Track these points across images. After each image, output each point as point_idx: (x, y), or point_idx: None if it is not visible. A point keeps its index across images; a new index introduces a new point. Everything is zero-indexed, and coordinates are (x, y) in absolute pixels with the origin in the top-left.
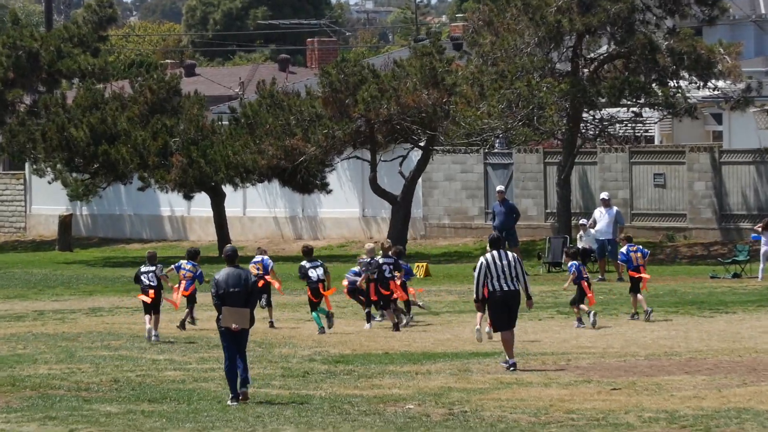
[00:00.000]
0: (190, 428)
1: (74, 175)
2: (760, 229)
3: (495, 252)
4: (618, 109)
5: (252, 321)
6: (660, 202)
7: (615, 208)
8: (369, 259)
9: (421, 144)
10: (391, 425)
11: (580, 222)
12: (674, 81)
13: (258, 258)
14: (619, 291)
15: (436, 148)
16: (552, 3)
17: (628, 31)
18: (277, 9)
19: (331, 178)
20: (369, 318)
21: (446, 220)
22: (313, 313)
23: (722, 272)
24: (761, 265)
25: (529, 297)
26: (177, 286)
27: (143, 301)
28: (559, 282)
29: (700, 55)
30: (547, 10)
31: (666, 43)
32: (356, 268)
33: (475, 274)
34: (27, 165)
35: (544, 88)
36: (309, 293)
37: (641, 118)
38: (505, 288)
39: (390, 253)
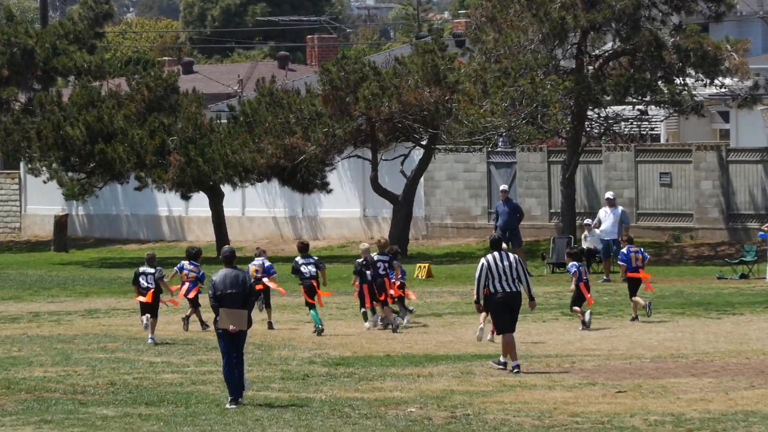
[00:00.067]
0: None
1: (70, 174)
2: (767, 229)
3: (496, 253)
4: (623, 106)
5: (249, 323)
6: (666, 202)
7: (620, 208)
8: (363, 260)
9: (423, 143)
10: (392, 429)
11: (585, 222)
12: (680, 78)
13: (258, 261)
14: (624, 292)
15: (438, 146)
16: None
17: (634, 28)
18: (277, 5)
19: (332, 178)
20: (366, 317)
21: (449, 220)
22: (312, 311)
23: (729, 273)
24: None
25: (531, 298)
26: (179, 285)
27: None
28: (564, 283)
29: (707, 51)
30: (551, 6)
31: (672, 39)
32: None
33: (476, 275)
34: (22, 164)
35: (548, 86)
36: (303, 291)
37: (647, 116)
38: (507, 289)
39: (386, 251)
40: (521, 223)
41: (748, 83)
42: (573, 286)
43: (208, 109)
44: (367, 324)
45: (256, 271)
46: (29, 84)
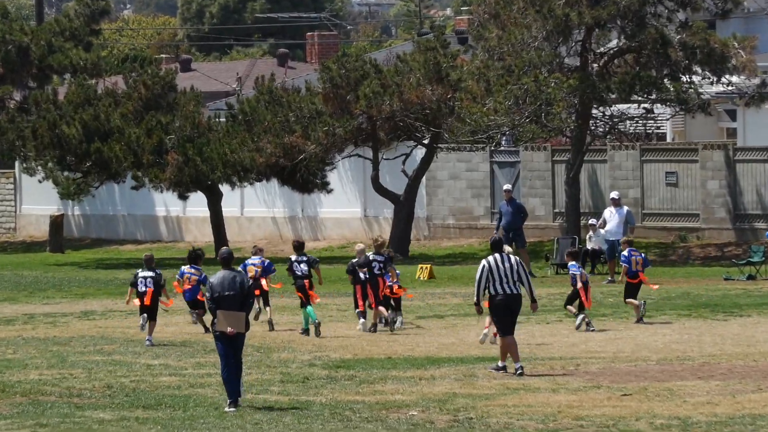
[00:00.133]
0: None
1: (66, 173)
2: None
3: (497, 255)
4: (628, 105)
5: (247, 326)
6: (672, 202)
7: (625, 208)
8: (358, 260)
9: (425, 141)
10: None
11: (590, 222)
12: (687, 76)
13: (256, 259)
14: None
15: (440, 145)
16: None
17: (639, 25)
18: (276, 2)
19: (332, 177)
20: (361, 316)
21: (451, 220)
22: (307, 308)
23: (736, 274)
24: None
25: (533, 300)
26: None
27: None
28: (568, 284)
29: (714, 49)
30: (555, 3)
31: (678, 36)
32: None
33: (477, 277)
34: (17, 163)
35: (552, 84)
36: (296, 290)
37: (653, 115)
38: (507, 291)
39: (382, 251)
40: (525, 223)
41: (756, 81)
42: (581, 284)
43: (206, 108)
44: (361, 320)
45: (256, 270)
46: (24, 82)
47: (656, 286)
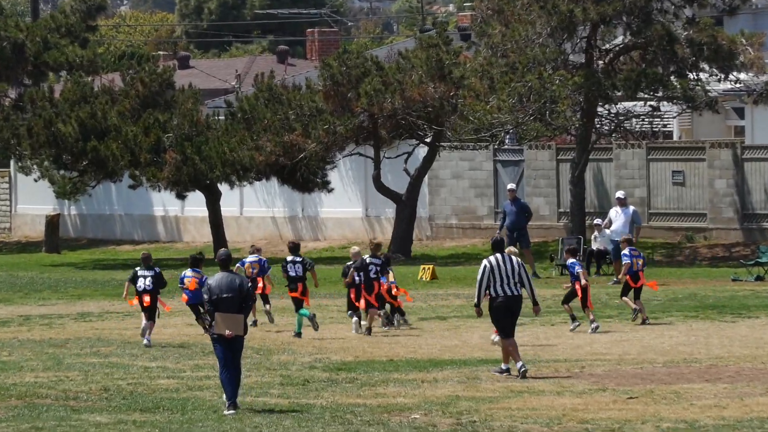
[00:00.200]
0: None
1: (62, 172)
2: None
3: (498, 255)
4: (634, 102)
5: (245, 329)
6: (679, 201)
7: (631, 208)
8: (353, 262)
9: (427, 140)
10: None
11: (595, 222)
12: (694, 73)
13: (253, 258)
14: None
15: (443, 144)
16: None
17: (645, 21)
18: None
19: (333, 176)
20: (354, 315)
21: (454, 220)
22: (301, 311)
23: (744, 274)
24: None
25: (535, 303)
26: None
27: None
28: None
29: (721, 45)
30: None
31: (685, 33)
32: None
33: (478, 277)
34: (12, 162)
35: (557, 81)
36: (289, 292)
37: (659, 113)
38: (508, 293)
39: (378, 253)
40: (529, 223)
41: (764, 78)
42: (585, 281)
43: (205, 106)
44: (354, 319)
45: (252, 268)
46: (19, 79)
47: (657, 287)
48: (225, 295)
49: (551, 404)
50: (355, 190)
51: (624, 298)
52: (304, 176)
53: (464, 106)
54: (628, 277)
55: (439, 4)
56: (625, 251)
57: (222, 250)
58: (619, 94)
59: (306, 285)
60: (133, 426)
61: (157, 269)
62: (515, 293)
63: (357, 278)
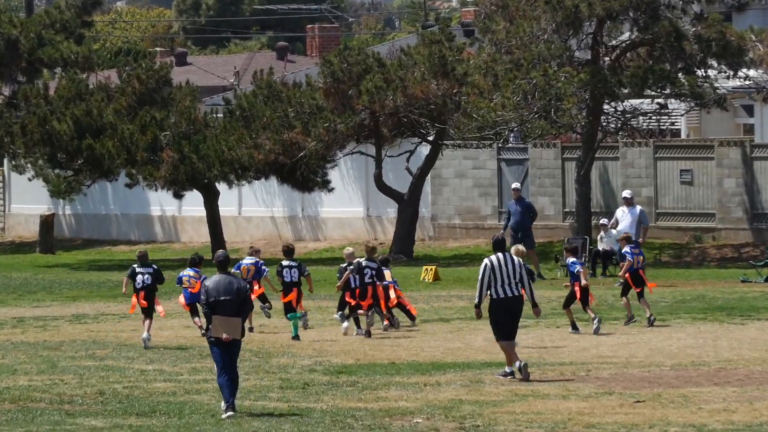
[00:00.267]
0: None
1: (56, 171)
2: None
3: (500, 254)
4: (641, 100)
5: (243, 332)
6: (687, 201)
7: (638, 207)
8: (346, 264)
9: (430, 138)
10: None
11: (601, 222)
12: (702, 70)
13: (250, 260)
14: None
15: (445, 142)
16: None
17: (652, 17)
18: None
19: (333, 175)
20: (343, 317)
21: (457, 219)
22: (290, 315)
23: (754, 276)
24: None
25: (535, 305)
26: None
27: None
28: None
29: (730, 42)
30: None
31: (693, 29)
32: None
33: (479, 277)
34: (5, 161)
35: (562, 78)
36: (282, 297)
37: (666, 110)
38: (509, 294)
39: (374, 257)
40: (534, 223)
41: None
42: (585, 281)
43: (203, 103)
44: (345, 323)
45: (248, 270)
46: (13, 76)
47: (652, 289)
48: (223, 298)
49: (556, 408)
50: (356, 190)
51: (624, 299)
52: (304, 175)
53: (467, 103)
54: (627, 275)
55: None
56: (626, 249)
57: (220, 252)
58: (626, 91)
59: (300, 290)
60: (129, 430)
61: (155, 266)
62: (516, 294)
63: (352, 281)
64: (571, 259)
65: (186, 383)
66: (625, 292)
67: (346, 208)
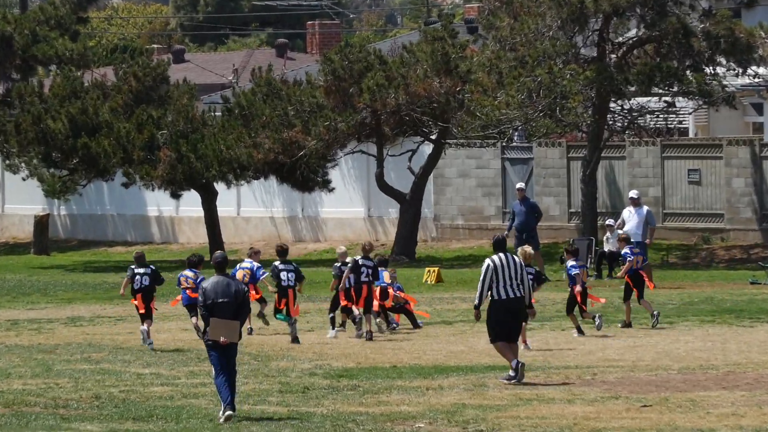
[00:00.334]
0: None
1: (51, 171)
2: None
3: (501, 254)
4: (648, 98)
5: (240, 335)
6: (695, 201)
7: (645, 208)
8: (340, 264)
9: (433, 137)
10: None
11: (607, 222)
12: (710, 67)
13: (247, 264)
14: (648, 298)
15: (448, 141)
16: None
17: (660, 13)
18: None
19: (334, 175)
20: (333, 323)
21: (460, 220)
22: (278, 316)
23: (763, 277)
24: None
25: (530, 306)
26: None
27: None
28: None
29: (739, 38)
30: None
31: (701, 26)
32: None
33: (481, 277)
34: None
35: (568, 76)
36: (276, 298)
37: (674, 109)
38: (511, 295)
39: (370, 255)
40: (539, 223)
41: None
42: (580, 287)
43: (201, 101)
44: (331, 332)
45: (244, 275)
46: (7, 74)
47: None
48: (220, 300)
49: (561, 413)
50: (357, 190)
51: (627, 302)
52: (304, 175)
53: (471, 101)
54: (627, 277)
55: None
56: (626, 249)
57: (218, 253)
58: (633, 89)
59: (296, 293)
60: None
61: (153, 267)
62: (518, 295)
63: (346, 281)
64: (570, 262)
65: (183, 387)
66: (627, 296)
67: (347, 208)
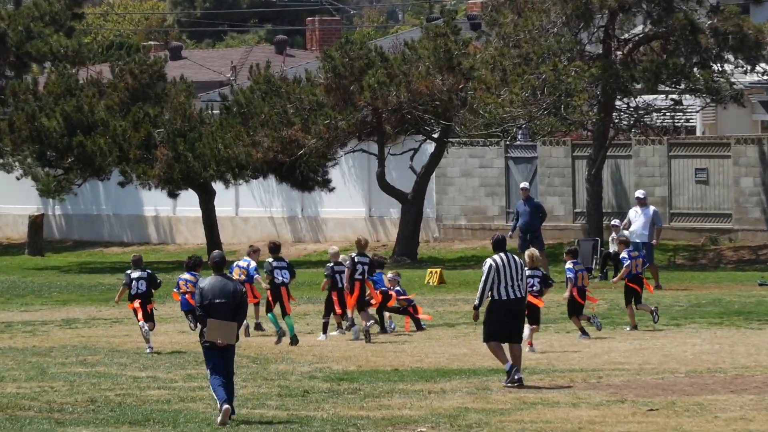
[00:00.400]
0: None
1: (46, 170)
2: None
3: (503, 254)
4: (655, 96)
5: (237, 336)
6: (702, 201)
7: (652, 208)
8: (333, 264)
9: (435, 135)
10: None
11: (613, 223)
12: (718, 64)
13: (244, 263)
14: (655, 300)
15: (451, 140)
16: None
17: (667, 9)
18: None
19: (334, 174)
20: (325, 328)
21: (463, 220)
22: (269, 314)
23: None
24: None
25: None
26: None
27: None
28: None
29: (747, 35)
30: None
31: (709, 22)
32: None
33: (483, 277)
34: None
35: (573, 73)
36: (269, 295)
37: (681, 107)
38: (512, 296)
39: (366, 252)
40: (543, 224)
41: None
42: (567, 294)
43: (198, 99)
44: (322, 336)
45: (240, 273)
46: (1, 71)
47: (652, 290)
48: (218, 301)
49: (566, 416)
50: (358, 189)
51: (629, 306)
52: (304, 174)
53: (474, 99)
54: (627, 280)
55: None
56: (624, 254)
57: (216, 252)
58: (639, 86)
59: (289, 290)
60: None
61: (149, 270)
62: (519, 296)
63: (339, 281)
64: (568, 265)
65: (181, 391)
66: (628, 300)
67: (348, 208)
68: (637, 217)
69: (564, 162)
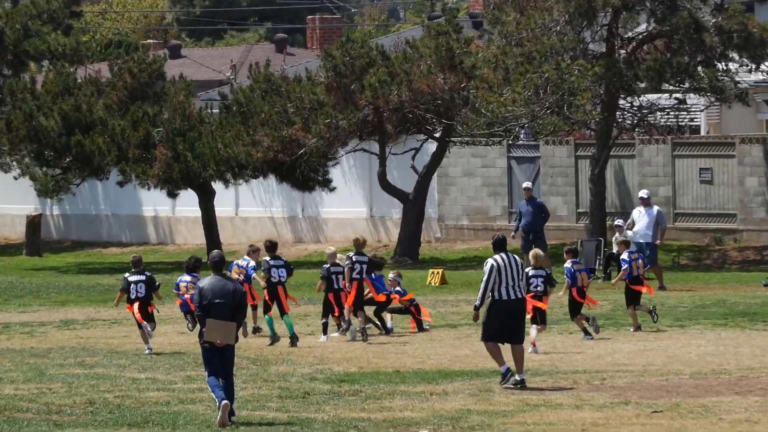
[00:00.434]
0: None
1: (44, 169)
2: None
3: (503, 254)
4: (659, 95)
5: (236, 337)
6: (706, 201)
7: (656, 208)
8: (329, 265)
9: (437, 135)
10: None
11: (616, 223)
12: (722, 63)
13: (243, 262)
14: (659, 301)
15: (453, 139)
16: None
17: (670, 7)
18: None
19: (335, 174)
20: (325, 329)
21: (465, 220)
22: (266, 316)
23: None
24: None
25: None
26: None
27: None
28: (592, 291)
29: (752, 33)
30: None
31: (713, 20)
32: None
33: (484, 277)
34: None
35: (576, 72)
36: (266, 294)
37: (685, 106)
38: (513, 296)
39: (363, 250)
40: (546, 224)
41: None
42: (561, 294)
43: (198, 98)
44: (323, 337)
45: (239, 273)
46: None
47: (653, 292)
48: (217, 301)
49: (569, 418)
50: (359, 189)
51: (631, 308)
52: (304, 174)
53: (476, 98)
54: (627, 281)
55: None
56: (624, 255)
57: (215, 252)
58: (643, 85)
59: (286, 289)
60: None
61: (148, 273)
62: (520, 296)
63: (335, 281)
64: (566, 264)
65: (180, 392)
66: (630, 302)
67: (349, 208)
68: (640, 218)
69: (567, 162)
